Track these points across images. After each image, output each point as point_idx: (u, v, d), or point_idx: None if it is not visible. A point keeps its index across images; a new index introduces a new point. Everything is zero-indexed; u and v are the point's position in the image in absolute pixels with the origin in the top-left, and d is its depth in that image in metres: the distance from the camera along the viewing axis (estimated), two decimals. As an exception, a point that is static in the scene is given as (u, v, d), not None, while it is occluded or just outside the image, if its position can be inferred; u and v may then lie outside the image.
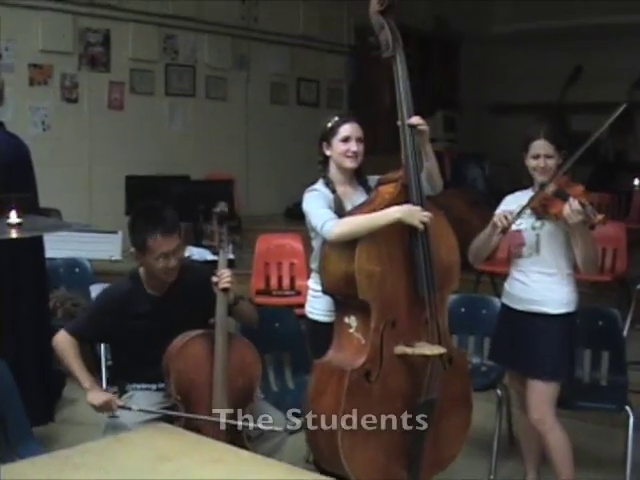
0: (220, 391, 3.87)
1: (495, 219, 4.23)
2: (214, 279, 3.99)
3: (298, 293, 6.67)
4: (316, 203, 4.03)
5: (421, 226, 3.87)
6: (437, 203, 6.99)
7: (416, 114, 4.01)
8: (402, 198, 3.95)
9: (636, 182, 9.29)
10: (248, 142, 10.80)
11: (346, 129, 4.10)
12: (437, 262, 4.00)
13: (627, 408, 4.74)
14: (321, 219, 3.93)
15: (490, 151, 12.18)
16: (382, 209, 3.89)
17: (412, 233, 3.93)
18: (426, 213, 3.89)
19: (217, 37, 10.43)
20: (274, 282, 7.00)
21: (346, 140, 4.09)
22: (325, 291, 4.05)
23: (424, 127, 4.01)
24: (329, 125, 4.13)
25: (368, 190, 4.17)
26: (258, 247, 7.12)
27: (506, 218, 4.16)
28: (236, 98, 10.76)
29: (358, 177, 4.21)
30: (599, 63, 12.44)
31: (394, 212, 3.86)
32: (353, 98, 11.87)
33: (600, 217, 3.96)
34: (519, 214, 4.21)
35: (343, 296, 3.98)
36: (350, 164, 4.11)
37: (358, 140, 4.10)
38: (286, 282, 6.98)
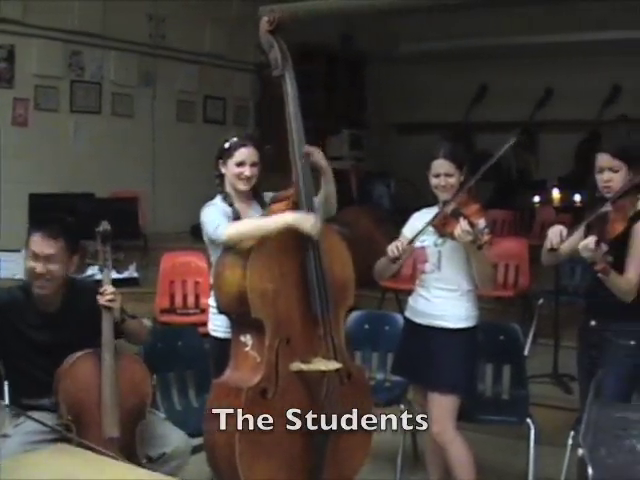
0: (110, 411, 3.84)
1: (387, 249, 4.29)
2: (98, 297, 3.97)
3: (203, 311, 6.59)
4: (213, 215, 4.07)
5: (313, 232, 3.90)
6: (343, 221, 7.06)
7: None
8: None
9: (536, 199, 9.45)
10: (154, 159, 10.73)
11: (242, 153, 4.16)
12: (331, 279, 4.04)
13: (528, 421, 4.84)
14: (214, 223, 3.96)
15: (396, 169, 12.28)
16: None
17: (304, 250, 3.97)
18: (317, 223, 3.92)
19: (123, 54, 10.34)
20: (179, 300, 6.96)
21: (240, 164, 4.15)
22: (220, 310, 4.06)
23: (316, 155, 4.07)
24: (226, 146, 4.19)
25: (263, 206, 4.22)
26: (163, 265, 7.08)
27: (397, 249, 4.23)
28: (142, 115, 10.69)
29: (254, 195, 4.27)
30: (503, 83, 12.65)
31: (286, 217, 3.92)
32: (259, 116, 11.88)
33: (486, 238, 4.06)
34: (413, 240, 4.30)
35: (237, 315, 4.00)
36: (242, 187, 4.18)
37: (252, 164, 4.16)
38: (191, 300, 6.94)
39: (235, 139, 4.20)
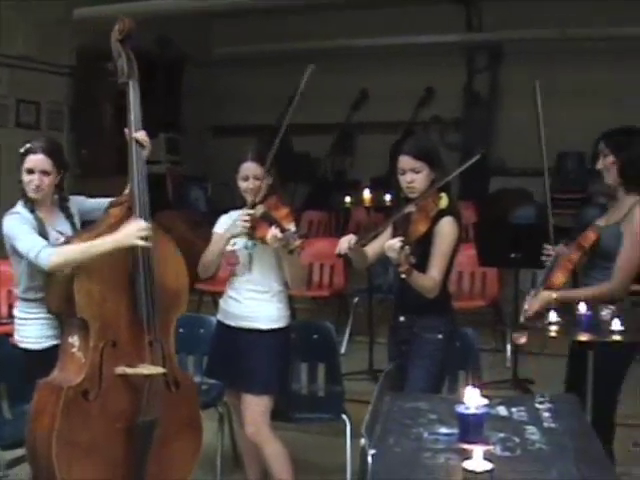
0: None
1: (239, 219, 4.30)
2: None
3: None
4: (21, 228, 4.02)
5: (141, 242, 3.90)
6: (159, 225, 6.99)
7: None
8: (127, 220, 4.02)
9: (347, 199, 9.62)
10: (-38, 166, 10.37)
11: (31, 160, 4.13)
12: (163, 286, 4.08)
13: (344, 417, 4.92)
14: (34, 247, 3.92)
15: (212, 172, 12.31)
16: (108, 231, 3.95)
17: (134, 255, 3.99)
18: (143, 226, 3.93)
19: None
20: (-10, 310, 6.77)
21: (30, 172, 4.12)
22: (49, 311, 4.05)
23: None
24: (21, 151, 4.17)
25: (69, 216, 4.23)
26: (-28, 275, 6.85)
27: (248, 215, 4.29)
28: (-50, 121, 10.34)
29: (60, 203, 4.25)
30: (318, 85, 12.73)
31: (109, 242, 3.91)
32: (74, 120, 11.66)
33: (297, 243, 4.10)
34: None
35: (65, 315, 4.00)
36: (33, 194, 4.14)
37: (41, 172, 4.13)
38: (4, 310, 6.75)
39: (28, 145, 4.17)
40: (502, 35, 11.99)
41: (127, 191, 4.15)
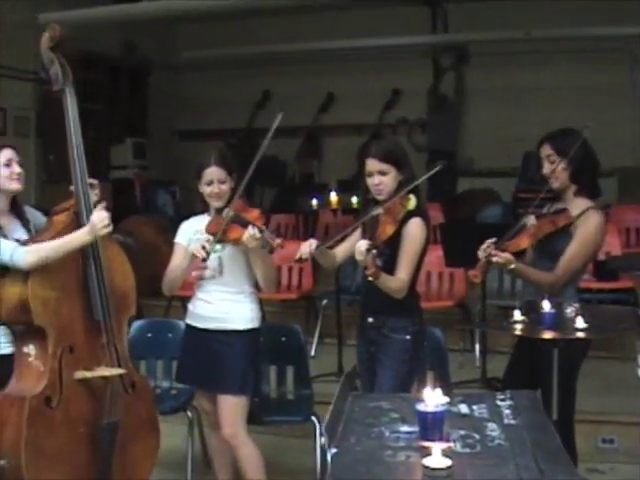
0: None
1: (194, 250, 4.32)
2: None
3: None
4: None
5: (107, 230, 4.00)
6: (126, 230, 7.03)
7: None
8: (74, 225, 4.06)
9: (314, 202, 9.67)
10: None
11: (5, 154, 4.16)
12: (112, 288, 4.11)
13: (313, 418, 4.97)
14: (5, 249, 3.93)
15: (180, 177, 12.31)
16: (57, 237, 3.97)
17: (86, 258, 4.04)
18: (104, 215, 4.00)
19: None
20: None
21: (8, 164, 4.15)
22: (1, 322, 4.03)
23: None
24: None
25: (26, 223, 4.24)
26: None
27: (204, 248, 4.26)
28: None
29: (14, 208, 4.26)
30: (286, 88, 12.85)
31: (83, 235, 3.97)
32: (41, 127, 11.63)
33: (278, 241, 4.13)
34: (213, 239, 4.31)
35: (20, 324, 3.99)
36: (15, 186, 4.17)
37: (19, 165, 4.19)
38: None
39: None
40: (467, 36, 12.08)
41: (71, 200, 4.18)
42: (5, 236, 4.06)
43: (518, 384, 3.78)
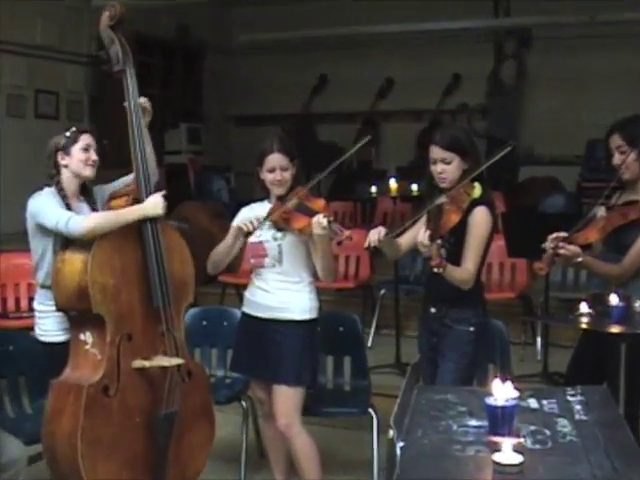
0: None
1: (240, 224, 4.33)
2: None
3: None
4: (49, 202, 4.12)
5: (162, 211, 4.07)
6: (180, 216, 7.05)
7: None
8: None
9: (373, 189, 9.62)
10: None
11: (86, 138, 4.23)
12: (171, 275, 4.12)
13: (370, 411, 4.93)
14: (63, 216, 4.00)
15: (235, 163, 12.36)
16: None
17: (146, 244, 4.05)
18: (159, 200, 4.09)
19: (-51, 47, 10.06)
20: (11, 304, 6.83)
21: (86, 149, 4.21)
22: (59, 308, 4.06)
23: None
24: (67, 134, 4.24)
25: (91, 204, 4.29)
26: (-7, 268, 6.92)
27: (251, 223, 4.27)
28: (-29, 111, 10.41)
29: (84, 192, 4.32)
30: (343, 73, 12.84)
31: (136, 210, 4.05)
32: (94, 111, 11.72)
33: (347, 233, 4.09)
34: (262, 223, 4.31)
35: (77, 311, 4.02)
36: (88, 172, 4.23)
37: (96, 152, 4.26)
38: (24, 303, 6.81)
39: (74, 128, 4.27)
40: (530, 20, 11.97)
41: (129, 180, 4.29)
42: None
43: (583, 379, 3.71)
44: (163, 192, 4.14)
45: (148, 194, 4.12)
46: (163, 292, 4.07)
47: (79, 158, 4.21)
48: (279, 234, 4.40)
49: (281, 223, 4.33)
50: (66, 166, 4.22)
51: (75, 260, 3.94)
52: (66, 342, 4.13)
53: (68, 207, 4.15)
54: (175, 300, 4.15)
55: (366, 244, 4.10)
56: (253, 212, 4.50)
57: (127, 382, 3.97)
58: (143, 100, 4.25)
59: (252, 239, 4.40)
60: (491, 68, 12.50)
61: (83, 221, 3.96)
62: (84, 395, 3.84)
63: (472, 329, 4.23)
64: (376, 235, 4.06)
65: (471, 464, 2.40)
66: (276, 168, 4.41)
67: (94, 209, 4.26)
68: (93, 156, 4.23)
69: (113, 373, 3.93)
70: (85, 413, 3.82)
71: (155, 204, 4.06)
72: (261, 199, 4.57)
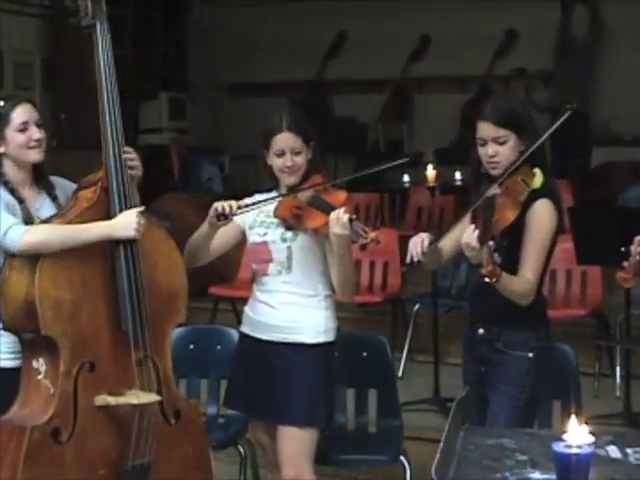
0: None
1: (216, 204, 4.32)
2: None
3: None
4: None
5: (137, 234, 3.99)
6: (162, 211, 7.06)
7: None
8: (102, 204, 4.07)
9: (406, 178, 9.58)
10: None
11: (20, 113, 4.17)
12: (154, 287, 4.12)
13: (402, 459, 4.92)
14: (3, 222, 3.95)
15: (230, 143, 12.35)
16: (78, 220, 3.98)
17: (115, 250, 4.02)
18: (132, 219, 4.01)
19: None
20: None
21: (23, 129, 4.16)
22: (5, 327, 4.06)
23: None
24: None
25: (51, 193, 4.26)
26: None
27: (230, 206, 4.25)
28: None
29: (39, 179, 4.29)
30: (367, 31, 12.82)
31: (105, 227, 4.00)
32: (49, 76, 11.71)
33: (373, 235, 4.05)
34: (251, 205, 4.32)
35: (27, 332, 4.00)
36: (34, 156, 4.19)
37: (38, 125, 4.20)
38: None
39: (2, 103, 4.23)
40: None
41: (100, 172, 4.19)
42: (29, 212, 4.08)
43: None
44: (141, 209, 4.09)
45: (120, 184, 4.08)
46: (135, 310, 4.03)
47: (17, 142, 4.16)
48: (289, 234, 4.38)
49: (291, 220, 4.32)
50: (4, 154, 4.19)
51: (24, 268, 3.92)
52: (18, 368, 4.10)
53: (20, 201, 4.13)
54: (156, 319, 4.12)
55: (408, 259, 4.08)
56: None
57: (87, 424, 3.93)
58: (130, 156, 4.20)
59: (255, 239, 4.41)
60: (556, 22, 12.48)
61: (24, 234, 3.91)
62: (25, 440, 3.79)
63: (531, 355, 4.22)
64: (419, 246, 4.05)
65: (535, 529, 2.40)
66: (286, 151, 4.39)
67: (55, 200, 4.25)
68: (35, 134, 4.17)
69: (67, 412, 3.90)
70: (25, 463, 3.77)
71: (127, 224, 4.00)
72: (268, 190, 4.54)
